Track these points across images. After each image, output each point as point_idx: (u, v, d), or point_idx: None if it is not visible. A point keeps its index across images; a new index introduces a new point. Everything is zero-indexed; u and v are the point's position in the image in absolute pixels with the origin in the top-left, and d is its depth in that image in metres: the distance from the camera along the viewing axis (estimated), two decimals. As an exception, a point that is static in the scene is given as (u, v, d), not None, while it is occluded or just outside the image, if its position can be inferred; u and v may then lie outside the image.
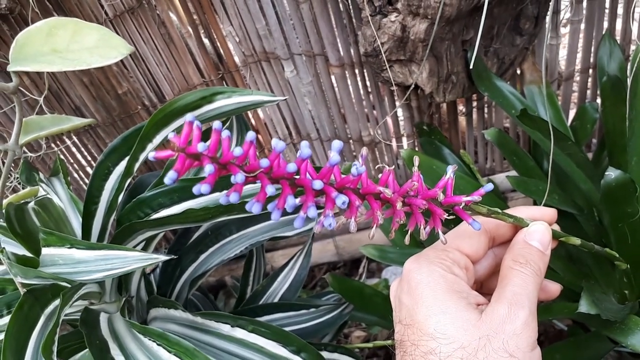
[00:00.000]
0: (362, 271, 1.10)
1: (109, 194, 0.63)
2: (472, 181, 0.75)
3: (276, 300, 0.74)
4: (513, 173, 0.97)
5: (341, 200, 0.29)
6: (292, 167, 0.28)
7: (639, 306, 0.61)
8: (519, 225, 0.40)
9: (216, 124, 0.28)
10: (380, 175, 0.34)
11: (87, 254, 0.48)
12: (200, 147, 0.26)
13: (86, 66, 0.48)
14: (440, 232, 0.36)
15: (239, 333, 0.57)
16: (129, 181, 0.61)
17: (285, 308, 0.70)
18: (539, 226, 0.39)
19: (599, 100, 0.90)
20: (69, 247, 0.48)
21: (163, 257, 0.45)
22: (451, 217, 0.35)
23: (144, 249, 0.63)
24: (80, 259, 0.48)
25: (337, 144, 0.30)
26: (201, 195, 0.57)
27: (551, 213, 0.42)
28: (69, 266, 0.48)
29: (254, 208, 0.28)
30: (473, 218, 0.36)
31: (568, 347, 0.63)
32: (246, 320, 0.57)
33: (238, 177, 0.27)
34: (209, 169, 0.26)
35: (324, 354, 0.64)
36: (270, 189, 0.28)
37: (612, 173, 0.57)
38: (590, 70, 0.86)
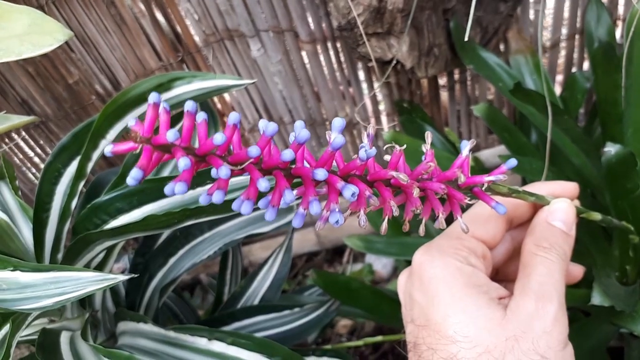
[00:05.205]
0: (348, 259, 1.05)
1: (61, 199, 0.56)
2: (459, 161, 0.71)
3: (257, 301, 0.68)
4: (499, 149, 0.93)
5: (350, 191, 0.24)
6: (288, 154, 0.22)
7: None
8: (539, 203, 0.35)
9: (189, 105, 0.21)
10: (389, 158, 0.29)
11: (35, 277, 0.41)
12: (171, 135, 0.20)
13: (15, 57, 0.41)
14: (460, 219, 0.30)
15: (218, 346, 0.52)
16: (82, 183, 0.54)
17: (268, 310, 0.65)
18: (561, 204, 0.35)
19: (585, 68, 0.86)
20: (12, 270, 0.42)
21: (122, 277, 0.38)
22: (473, 201, 0.30)
23: (105, 259, 0.57)
24: (27, 282, 0.41)
25: (338, 121, 0.24)
26: (163, 197, 0.51)
27: (572, 188, 0.38)
28: (14, 292, 0.41)
29: (244, 208, 0.22)
30: (496, 200, 0.31)
31: (572, 335, 0.60)
32: (225, 333, 0.52)
33: (222, 170, 0.21)
34: (184, 163, 0.20)
35: (312, 359, 0.59)
36: (264, 184, 0.22)
37: (611, 149, 0.53)
38: (577, 37, 0.81)
